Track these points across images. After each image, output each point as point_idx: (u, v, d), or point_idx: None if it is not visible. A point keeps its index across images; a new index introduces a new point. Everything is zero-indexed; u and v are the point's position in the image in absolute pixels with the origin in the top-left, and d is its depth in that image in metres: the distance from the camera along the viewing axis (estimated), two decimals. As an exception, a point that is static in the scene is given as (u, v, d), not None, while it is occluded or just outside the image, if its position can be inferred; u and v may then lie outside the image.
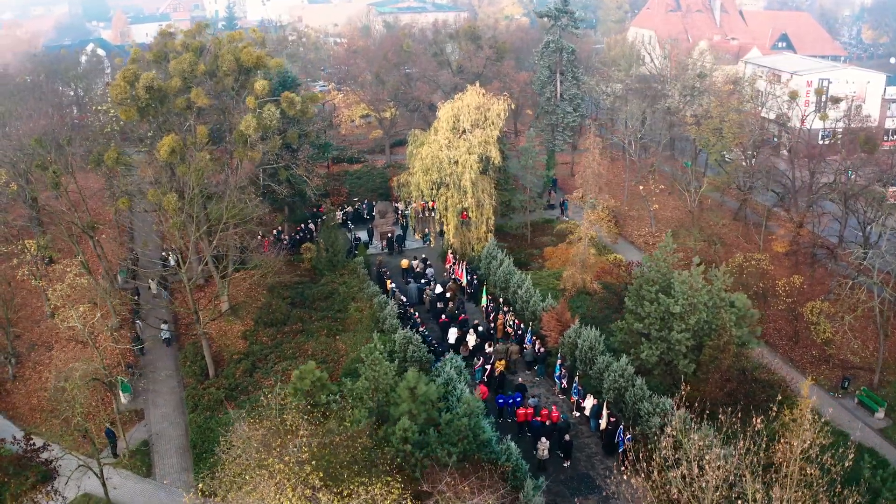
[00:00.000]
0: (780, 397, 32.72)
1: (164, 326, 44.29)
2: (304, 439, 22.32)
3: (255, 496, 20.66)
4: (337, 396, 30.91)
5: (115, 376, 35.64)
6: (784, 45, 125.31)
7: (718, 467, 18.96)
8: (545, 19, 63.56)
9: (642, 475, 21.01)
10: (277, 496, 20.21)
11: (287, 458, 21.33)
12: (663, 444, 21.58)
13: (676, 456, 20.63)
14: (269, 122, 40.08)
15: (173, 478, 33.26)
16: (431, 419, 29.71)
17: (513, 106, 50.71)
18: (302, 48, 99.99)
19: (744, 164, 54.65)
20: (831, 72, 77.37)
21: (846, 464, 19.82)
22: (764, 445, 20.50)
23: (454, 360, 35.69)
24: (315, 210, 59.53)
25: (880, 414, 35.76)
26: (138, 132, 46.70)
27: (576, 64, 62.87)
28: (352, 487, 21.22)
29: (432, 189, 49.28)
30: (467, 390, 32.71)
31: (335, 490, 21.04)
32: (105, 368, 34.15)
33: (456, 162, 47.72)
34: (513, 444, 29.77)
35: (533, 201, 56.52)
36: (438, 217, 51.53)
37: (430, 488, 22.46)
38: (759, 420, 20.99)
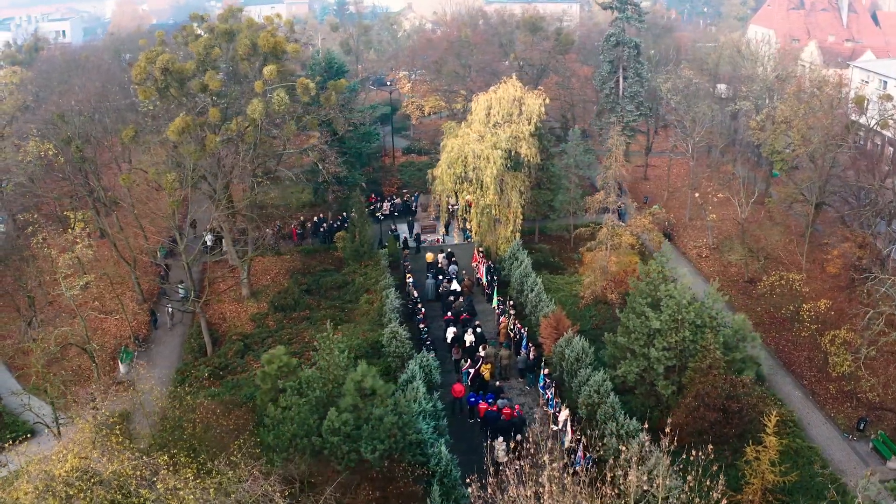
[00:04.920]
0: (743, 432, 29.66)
1: (180, 286, 45.73)
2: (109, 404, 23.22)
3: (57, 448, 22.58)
4: (296, 383, 30.87)
5: (92, 345, 36.87)
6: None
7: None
8: (609, 11, 60.38)
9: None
10: (64, 451, 21.74)
11: (90, 419, 22.97)
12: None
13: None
14: (277, 107, 40.20)
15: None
16: (374, 414, 28.92)
17: (547, 100, 48.24)
18: (389, 35, 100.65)
19: (811, 173, 49.60)
20: (947, 77, 69.16)
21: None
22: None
23: (424, 358, 34.64)
24: (363, 200, 59.59)
25: (893, 463, 31.23)
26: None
27: (640, 60, 59.31)
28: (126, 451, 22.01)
29: (456, 183, 47.88)
30: (423, 388, 31.56)
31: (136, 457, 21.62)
32: (87, 336, 35.47)
33: (479, 156, 46.14)
34: (444, 448, 28.35)
35: (575, 202, 53.70)
36: (461, 213, 50.10)
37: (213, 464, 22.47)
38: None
